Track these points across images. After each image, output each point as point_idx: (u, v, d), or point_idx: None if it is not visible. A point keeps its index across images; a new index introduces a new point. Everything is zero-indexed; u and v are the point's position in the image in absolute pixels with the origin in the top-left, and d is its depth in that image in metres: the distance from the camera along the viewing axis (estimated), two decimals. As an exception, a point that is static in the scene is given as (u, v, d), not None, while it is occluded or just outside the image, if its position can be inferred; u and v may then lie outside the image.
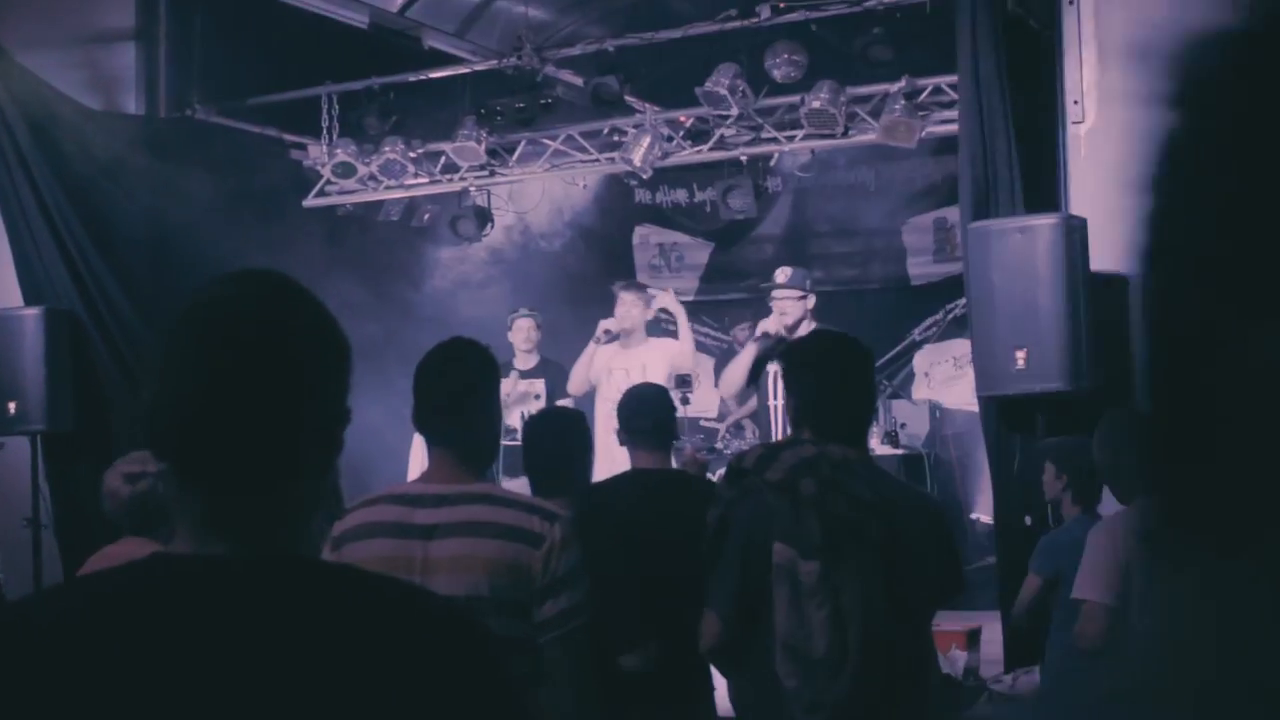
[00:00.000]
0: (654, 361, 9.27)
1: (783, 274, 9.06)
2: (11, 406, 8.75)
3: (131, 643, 1.49)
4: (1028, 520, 6.90)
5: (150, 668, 1.47)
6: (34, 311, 8.89)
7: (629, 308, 9.51)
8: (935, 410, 11.50)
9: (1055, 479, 5.80)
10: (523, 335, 10.34)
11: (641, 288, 9.86)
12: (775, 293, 9.01)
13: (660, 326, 10.21)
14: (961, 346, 11.89)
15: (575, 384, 9.61)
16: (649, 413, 5.36)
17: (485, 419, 3.66)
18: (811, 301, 9.00)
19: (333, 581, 1.62)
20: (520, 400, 9.83)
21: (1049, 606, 5.71)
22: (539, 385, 10.08)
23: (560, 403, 9.55)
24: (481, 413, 3.64)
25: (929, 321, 12.57)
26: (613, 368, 9.25)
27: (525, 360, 10.31)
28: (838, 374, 3.75)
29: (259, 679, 1.47)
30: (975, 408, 8.57)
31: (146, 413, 1.61)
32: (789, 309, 8.85)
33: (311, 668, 1.48)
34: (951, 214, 11.83)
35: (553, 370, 10.20)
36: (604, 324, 9.56)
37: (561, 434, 5.09)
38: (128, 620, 1.52)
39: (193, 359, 1.60)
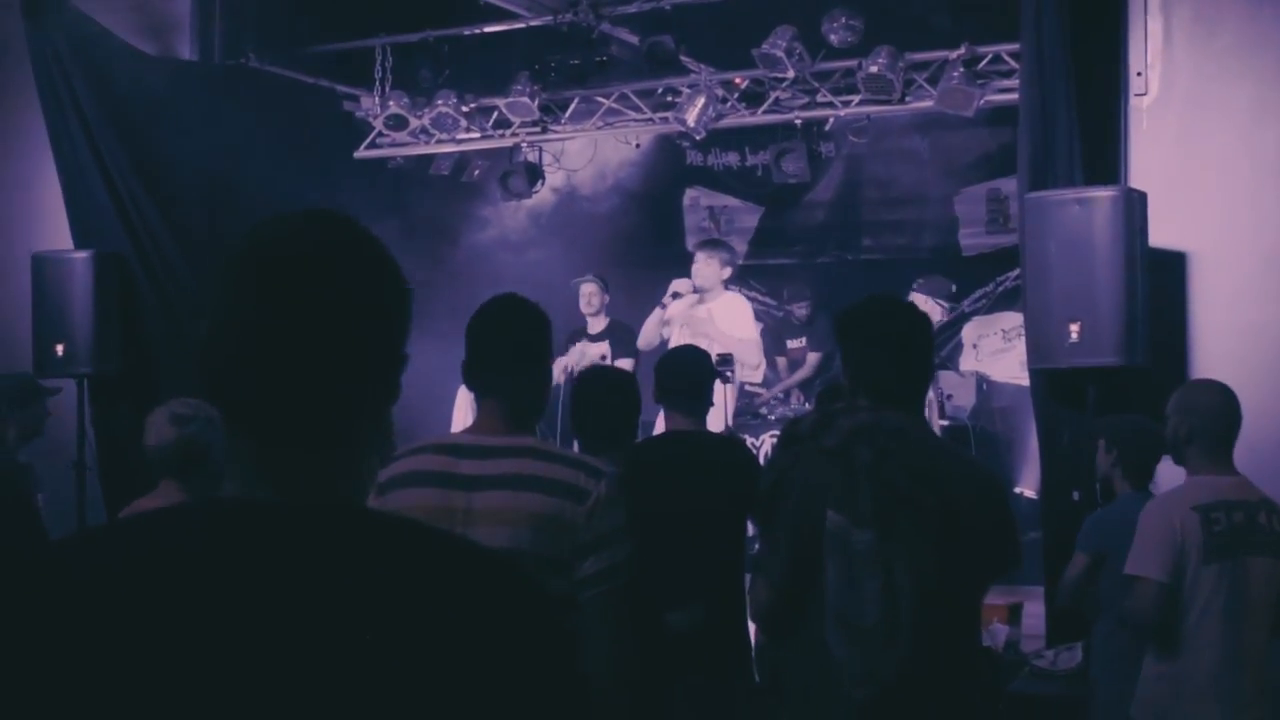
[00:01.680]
0: (726, 321, 9.38)
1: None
2: (59, 349, 8.79)
3: (177, 586, 1.46)
4: (1075, 496, 6.83)
5: (194, 611, 1.44)
6: (84, 255, 8.92)
7: (702, 266, 9.57)
8: (982, 383, 11.43)
9: (1105, 454, 5.73)
10: (585, 300, 10.35)
11: (716, 246, 9.95)
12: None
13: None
14: (1011, 319, 11.81)
15: (645, 338, 9.64)
16: (686, 374, 5.33)
17: (536, 373, 3.63)
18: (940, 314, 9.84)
19: (386, 531, 1.57)
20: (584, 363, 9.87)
21: (1095, 586, 5.65)
22: (604, 347, 10.09)
23: (619, 362, 9.60)
24: (533, 367, 3.61)
25: (979, 293, 12.47)
26: (686, 320, 9.32)
27: (593, 324, 10.34)
28: (895, 340, 3.69)
29: (305, 625, 1.43)
30: (1023, 381, 8.49)
31: (199, 353, 1.57)
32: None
33: (361, 617, 1.44)
34: (1005, 185, 11.74)
35: (619, 332, 10.22)
36: (675, 284, 9.60)
37: (611, 392, 5.07)
38: (174, 562, 1.48)
39: (246, 299, 1.55)
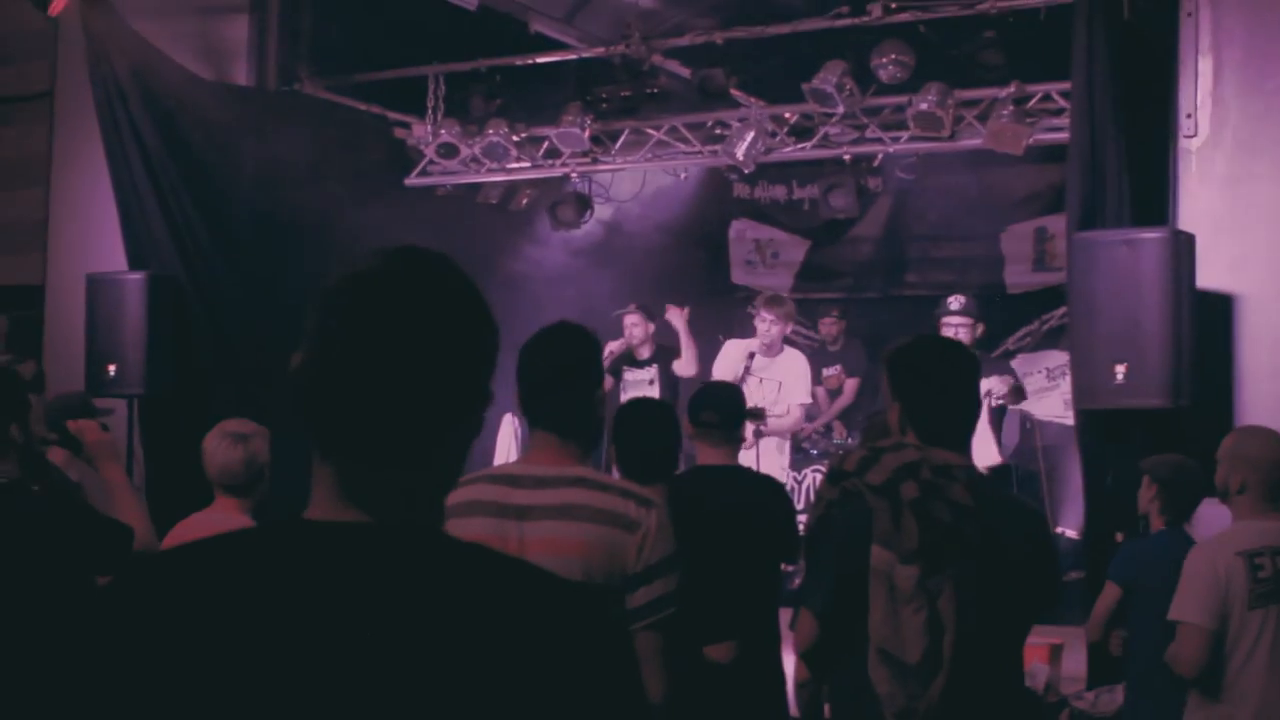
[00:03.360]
0: (789, 379, 9.46)
1: (956, 301, 9.16)
2: (111, 369, 8.89)
3: (274, 605, 1.52)
4: (1119, 537, 6.81)
5: (283, 631, 1.50)
6: (137, 276, 9.02)
7: (769, 325, 9.56)
8: (1026, 421, 11.37)
9: (1147, 491, 5.77)
10: (628, 331, 10.41)
11: (780, 301, 9.98)
12: (947, 319, 9.06)
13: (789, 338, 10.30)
14: (1055, 358, 11.78)
15: (727, 371, 9.56)
16: (718, 408, 5.35)
17: (588, 402, 3.65)
18: (981, 330, 9.14)
19: (467, 557, 1.63)
20: (634, 389, 9.93)
21: (1125, 623, 5.66)
22: (652, 372, 10.17)
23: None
24: (584, 396, 3.64)
25: (1023, 331, 12.45)
26: (753, 370, 9.39)
27: (640, 352, 10.41)
28: (944, 379, 3.72)
29: (389, 647, 1.49)
30: (1067, 420, 8.46)
31: (293, 381, 1.63)
32: (962, 336, 8.86)
33: (443, 640, 1.50)
34: (1052, 223, 11.72)
35: (663, 354, 10.31)
36: (748, 345, 9.64)
37: (653, 424, 5.09)
38: (271, 582, 1.55)
39: (339, 331, 1.61)
